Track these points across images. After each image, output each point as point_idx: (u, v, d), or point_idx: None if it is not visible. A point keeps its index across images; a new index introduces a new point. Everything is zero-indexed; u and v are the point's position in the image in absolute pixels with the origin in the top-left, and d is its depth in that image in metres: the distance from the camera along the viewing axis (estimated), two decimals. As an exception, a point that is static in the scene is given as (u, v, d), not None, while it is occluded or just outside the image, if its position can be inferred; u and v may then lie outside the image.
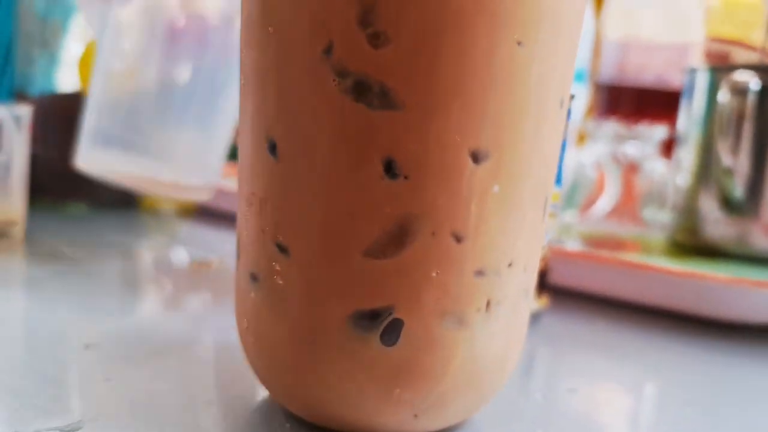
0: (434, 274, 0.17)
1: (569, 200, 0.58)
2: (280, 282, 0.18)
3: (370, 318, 0.17)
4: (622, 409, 0.26)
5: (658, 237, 0.54)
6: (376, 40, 0.16)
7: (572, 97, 0.31)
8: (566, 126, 0.31)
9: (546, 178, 0.19)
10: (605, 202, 0.57)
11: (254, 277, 0.19)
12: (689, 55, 0.68)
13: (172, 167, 0.39)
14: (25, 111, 0.39)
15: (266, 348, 0.19)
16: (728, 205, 0.48)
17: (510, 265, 0.18)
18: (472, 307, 0.18)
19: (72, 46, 0.54)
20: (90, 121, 0.39)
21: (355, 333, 0.18)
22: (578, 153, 0.59)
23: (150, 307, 0.32)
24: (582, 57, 0.72)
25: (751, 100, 0.46)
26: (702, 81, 0.50)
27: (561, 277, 0.38)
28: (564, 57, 0.19)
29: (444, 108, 0.17)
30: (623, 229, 0.56)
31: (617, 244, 0.52)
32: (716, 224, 0.48)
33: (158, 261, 0.39)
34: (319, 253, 0.18)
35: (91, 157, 0.39)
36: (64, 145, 0.50)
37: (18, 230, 0.41)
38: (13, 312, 0.29)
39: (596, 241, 0.51)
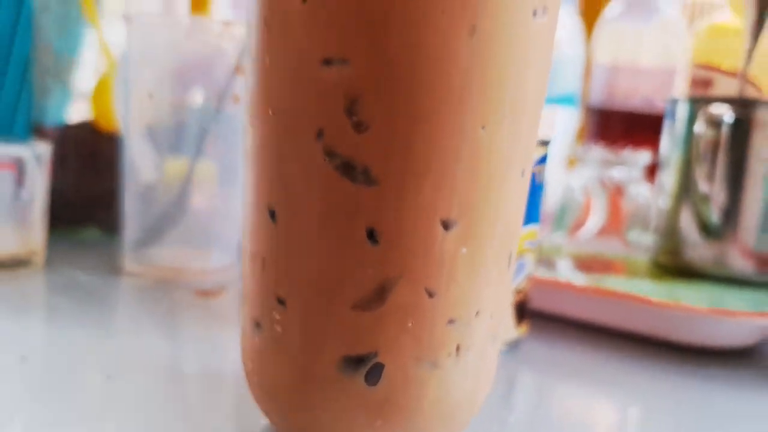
0: (410, 325, 0.20)
1: (559, 222, 0.61)
2: (279, 330, 0.21)
3: (356, 362, 0.20)
4: (589, 432, 0.29)
5: (643, 258, 0.56)
6: (359, 127, 0.19)
7: (548, 143, 0.34)
8: (543, 169, 0.34)
9: (509, 237, 0.22)
10: (592, 224, 0.60)
11: (257, 324, 0.22)
12: (677, 80, 0.71)
13: (202, 255, 0.47)
14: (45, 149, 0.43)
15: (268, 386, 0.22)
16: (706, 229, 0.51)
17: (477, 313, 0.21)
18: (444, 352, 0.21)
19: (85, 78, 0.57)
20: (129, 233, 0.45)
21: (343, 374, 0.20)
22: (567, 177, 0.62)
23: (163, 335, 0.35)
24: (573, 81, 0.75)
25: (724, 131, 0.49)
26: (681, 111, 0.52)
27: (541, 303, 0.40)
28: (526, 132, 0.21)
29: (417, 185, 0.19)
30: (610, 250, 0.59)
31: (603, 265, 0.54)
32: (695, 247, 0.51)
33: (170, 288, 0.42)
34: (313, 306, 0.20)
35: (135, 259, 0.45)
36: (77, 174, 0.54)
37: (39, 258, 0.44)
38: (33, 341, 0.32)
39: (584, 262, 0.54)
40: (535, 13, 0.20)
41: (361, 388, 0.20)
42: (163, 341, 0.34)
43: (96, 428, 0.24)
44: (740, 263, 0.50)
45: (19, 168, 0.41)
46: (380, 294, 0.20)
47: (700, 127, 0.50)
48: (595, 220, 0.60)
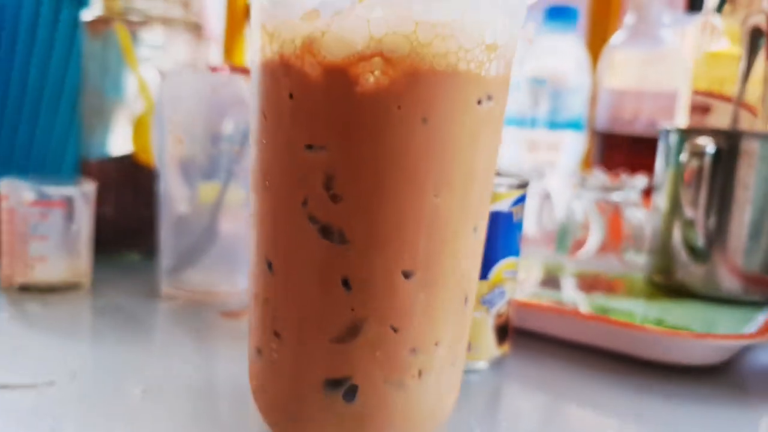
0: (378, 354, 0.25)
1: (561, 242, 0.66)
2: (276, 356, 0.26)
3: (335, 384, 0.25)
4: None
5: (639, 276, 0.60)
6: (335, 198, 0.24)
7: (525, 185, 0.39)
8: (521, 209, 0.39)
9: (464, 283, 0.27)
10: (591, 245, 0.64)
11: (259, 351, 0.27)
12: (678, 105, 0.75)
13: (230, 277, 0.52)
14: (90, 188, 0.49)
15: (269, 401, 0.27)
16: (693, 251, 0.54)
17: (436, 344, 0.26)
18: (408, 375, 0.26)
19: (126, 117, 0.63)
20: (165, 260, 0.51)
21: (326, 394, 0.26)
22: (570, 200, 0.66)
23: (193, 354, 0.40)
24: (580, 107, 0.79)
25: (706, 161, 0.53)
26: (672, 141, 0.56)
27: (522, 323, 0.45)
28: (476, 197, 0.26)
29: (382, 244, 0.24)
30: (609, 269, 0.63)
31: (603, 284, 0.58)
32: (685, 268, 0.55)
33: (200, 309, 0.48)
34: (302, 339, 0.26)
35: (170, 283, 0.51)
36: (119, 203, 0.60)
37: (86, 282, 0.50)
38: (81, 358, 0.38)
39: (586, 281, 0.58)
40: (479, 102, 0.25)
41: (340, 405, 0.25)
42: (193, 359, 0.39)
43: (133, 434, 0.29)
44: (728, 283, 0.54)
45: (69, 205, 0.47)
46: (353, 330, 0.25)
47: (685, 157, 0.54)
48: (594, 241, 0.64)
